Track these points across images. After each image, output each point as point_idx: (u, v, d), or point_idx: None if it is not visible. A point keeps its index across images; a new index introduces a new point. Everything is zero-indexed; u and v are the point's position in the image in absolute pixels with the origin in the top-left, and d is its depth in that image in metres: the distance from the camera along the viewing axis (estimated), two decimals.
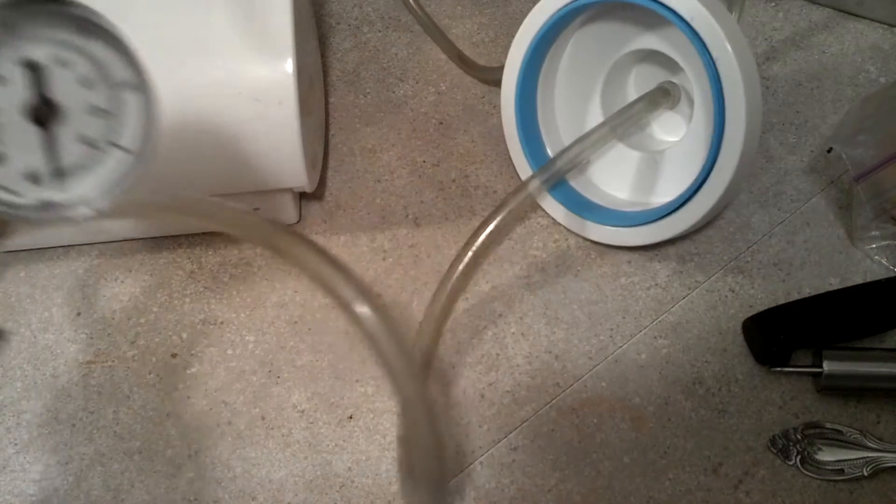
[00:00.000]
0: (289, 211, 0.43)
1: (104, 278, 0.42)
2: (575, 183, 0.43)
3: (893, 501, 0.36)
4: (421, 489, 0.32)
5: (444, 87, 0.48)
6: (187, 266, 0.43)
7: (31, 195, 0.22)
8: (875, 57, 0.48)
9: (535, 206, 0.44)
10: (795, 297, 0.41)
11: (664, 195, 0.41)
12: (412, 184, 0.45)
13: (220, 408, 0.39)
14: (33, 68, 0.22)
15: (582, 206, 0.42)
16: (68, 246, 0.43)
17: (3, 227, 0.27)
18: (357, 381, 0.39)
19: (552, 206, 0.43)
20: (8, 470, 0.38)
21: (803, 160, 0.45)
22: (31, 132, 0.22)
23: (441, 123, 0.47)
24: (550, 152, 0.44)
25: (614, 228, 0.41)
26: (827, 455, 0.37)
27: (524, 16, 0.41)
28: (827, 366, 0.37)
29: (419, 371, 0.29)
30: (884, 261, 0.42)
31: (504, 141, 0.44)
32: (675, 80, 0.41)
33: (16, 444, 0.38)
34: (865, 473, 0.36)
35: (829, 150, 0.42)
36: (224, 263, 0.42)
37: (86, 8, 0.22)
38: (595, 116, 0.44)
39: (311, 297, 0.42)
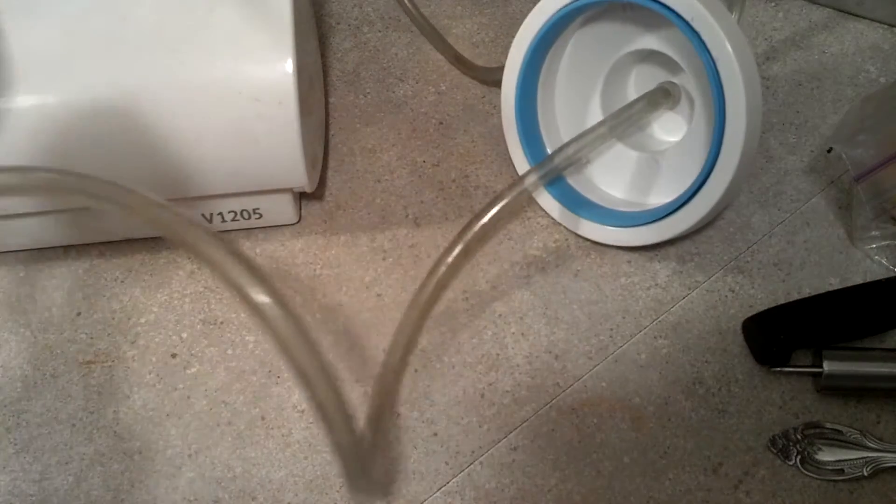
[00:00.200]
0: (289, 211, 0.43)
1: (104, 278, 0.42)
2: (573, 181, 0.43)
3: (893, 501, 0.36)
4: (337, 461, 0.31)
5: (444, 87, 0.48)
6: (187, 266, 0.43)
7: None
8: (875, 57, 0.48)
9: (535, 207, 0.44)
10: (795, 297, 0.41)
11: (662, 196, 0.41)
12: (412, 184, 0.45)
13: (220, 408, 0.39)
14: None
15: (579, 204, 0.42)
16: (68, 246, 0.43)
17: None
18: (357, 381, 0.39)
19: (549, 203, 0.43)
20: (8, 470, 0.38)
21: (803, 160, 0.45)
22: None
23: (441, 123, 0.47)
24: (550, 151, 0.44)
25: (614, 228, 0.41)
26: (827, 455, 0.37)
27: (524, 16, 0.41)
28: (827, 366, 0.37)
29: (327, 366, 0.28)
30: (884, 261, 0.42)
31: (504, 141, 0.44)
32: (675, 80, 0.41)
33: (16, 444, 0.38)
34: (865, 473, 0.36)
35: (829, 150, 0.42)
36: None
37: None
38: (595, 116, 0.44)
39: (310, 297, 0.42)
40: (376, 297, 0.42)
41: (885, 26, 0.49)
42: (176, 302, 0.42)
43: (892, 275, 0.41)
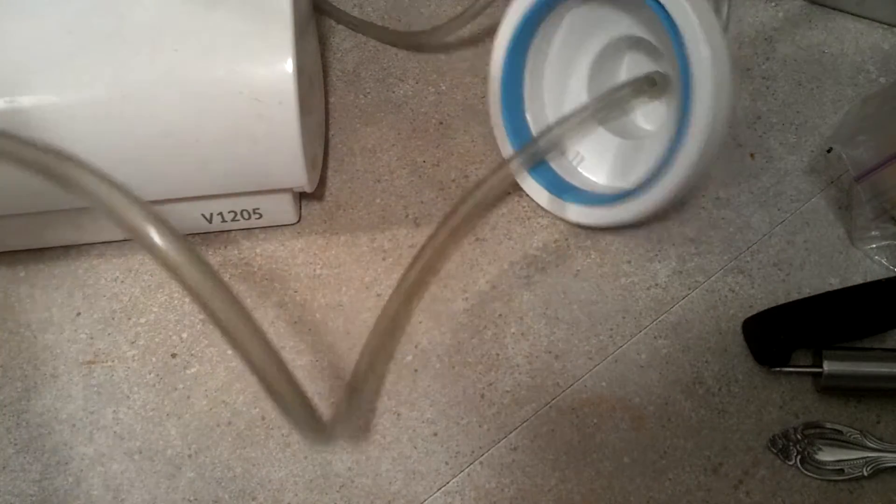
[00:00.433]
0: (289, 211, 0.43)
1: (104, 278, 0.42)
2: (556, 166, 0.44)
3: (893, 501, 0.36)
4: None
5: (444, 87, 0.48)
6: None
7: None
8: (875, 57, 0.48)
9: (536, 208, 0.44)
10: (795, 297, 0.41)
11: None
12: (412, 184, 0.45)
13: (220, 408, 0.39)
14: None
15: (563, 190, 0.43)
16: (68, 246, 0.43)
17: None
18: None
19: (535, 191, 0.43)
20: (8, 470, 0.38)
21: (803, 160, 0.45)
22: None
23: (441, 123, 0.47)
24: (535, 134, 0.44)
25: (589, 208, 0.41)
26: (827, 455, 0.37)
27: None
28: (827, 366, 0.37)
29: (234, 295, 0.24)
30: (884, 261, 0.42)
31: None
32: (663, 70, 0.41)
33: (16, 444, 0.38)
34: (865, 473, 0.36)
35: (829, 150, 0.42)
36: (224, 263, 0.42)
37: None
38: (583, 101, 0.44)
39: (310, 297, 0.42)
40: (376, 297, 0.42)
41: (885, 26, 0.49)
42: (176, 302, 0.42)
43: (892, 275, 0.41)
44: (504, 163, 0.40)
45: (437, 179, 0.45)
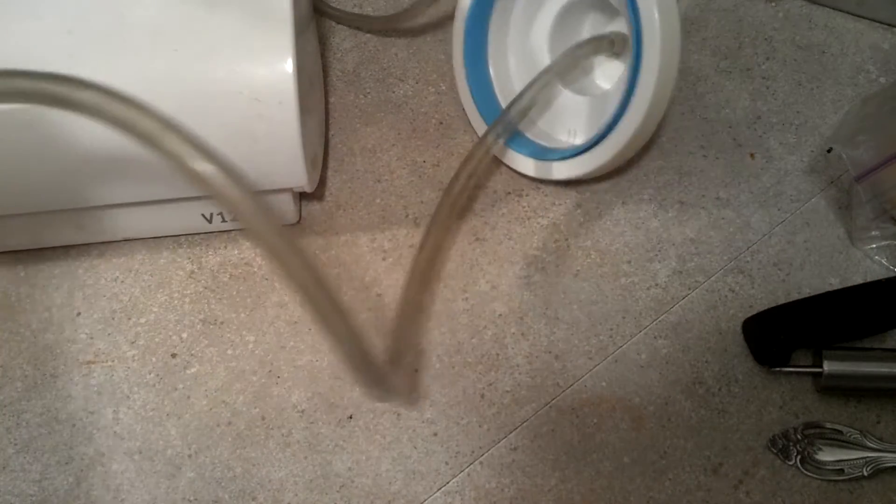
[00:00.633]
0: (289, 211, 0.43)
1: (104, 278, 0.42)
2: (533, 135, 0.44)
3: (893, 501, 0.36)
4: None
5: (444, 87, 0.48)
6: (187, 266, 0.43)
7: None
8: (875, 57, 0.48)
9: (536, 208, 0.44)
10: (795, 297, 0.41)
11: None
12: (412, 184, 0.45)
13: (220, 408, 0.39)
14: None
15: (545, 153, 0.43)
16: (68, 246, 0.43)
17: None
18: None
19: (521, 162, 0.44)
20: (8, 470, 0.38)
21: (803, 160, 0.45)
22: None
23: (441, 123, 0.47)
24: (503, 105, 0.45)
25: (551, 163, 0.42)
26: (827, 455, 0.37)
27: None
28: (827, 366, 0.37)
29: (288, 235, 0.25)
30: (884, 261, 0.42)
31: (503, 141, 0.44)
32: (624, 31, 0.42)
33: (16, 444, 0.38)
34: (865, 473, 0.36)
35: (829, 150, 0.42)
36: (224, 263, 0.43)
37: None
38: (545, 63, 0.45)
39: None
40: (376, 297, 0.42)
41: (885, 26, 0.49)
42: (176, 302, 0.42)
43: (892, 275, 0.41)
44: (482, 138, 0.40)
45: (437, 179, 0.45)
